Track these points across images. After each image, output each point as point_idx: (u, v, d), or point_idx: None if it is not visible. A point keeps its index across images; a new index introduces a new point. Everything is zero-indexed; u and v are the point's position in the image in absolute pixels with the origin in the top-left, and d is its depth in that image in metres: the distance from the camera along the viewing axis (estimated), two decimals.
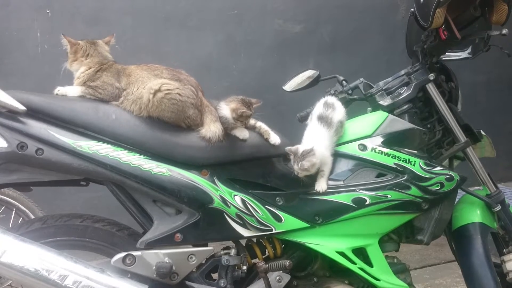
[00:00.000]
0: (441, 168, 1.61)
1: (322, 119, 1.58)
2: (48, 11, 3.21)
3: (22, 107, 1.36)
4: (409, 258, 3.34)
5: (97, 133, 1.41)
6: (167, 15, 3.45)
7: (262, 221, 1.49)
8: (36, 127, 1.37)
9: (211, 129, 1.47)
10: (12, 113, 1.37)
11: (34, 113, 1.38)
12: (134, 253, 1.43)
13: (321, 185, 1.54)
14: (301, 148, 1.49)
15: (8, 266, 1.28)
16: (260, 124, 1.57)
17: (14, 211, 2.43)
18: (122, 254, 1.42)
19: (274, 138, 1.54)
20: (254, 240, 1.63)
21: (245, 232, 1.49)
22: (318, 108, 1.62)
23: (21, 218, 2.43)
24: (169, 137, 1.45)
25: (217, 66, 3.68)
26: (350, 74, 1.97)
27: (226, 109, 1.50)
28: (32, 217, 2.38)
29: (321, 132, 1.56)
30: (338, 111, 1.60)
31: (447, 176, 1.60)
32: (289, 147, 1.50)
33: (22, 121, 1.36)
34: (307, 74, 1.91)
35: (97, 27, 3.19)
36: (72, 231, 1.47)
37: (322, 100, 1.65)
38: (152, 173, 1.41)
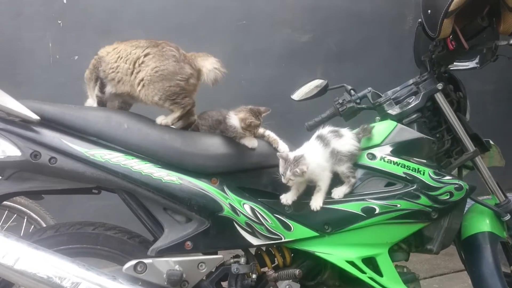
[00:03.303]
0: (450, 178, 1.61)
1: (320, 137, 1.57)
2: (59, 22, 3.25)
3: (35, 117, 1.38)
4: (418, 268, 3.32)
5: (109, 142, 1.43)
6: (177, 26, 3.48)
7: (271, 230, 1.50)
8: (50, 136, 1.39)
9: (208, 67, 1.50)
10: (25, 123, 1.39)
11: (47, 122, 1.41)
12: (145, 260, 1.44)
13: (316, 202, 1.52)
14: (291, 154, 1.48)
15: (22, 273, 1.30)
16: (269, 133, 1.58)
17: (25, 219, 2.45)
18: (134, 262, 1.44)
19: (283, 147, 1.56)
20: (264, 248, 1.63)
21: (254, 241, 1.50)
22: (322, 130, 1.60)
23: (32, 226, 2.44)
24: (179, 145, 1.47)
25: (226, 76, 3.69)
26: (358, 83, 1.97)
27: (235, 118, 1.52)
28: (44, 225, 2.40)
29: (316, 147, 1.55)
30: (344, 142, 1.56)
31: (456, 186, 1.60)
32: (280, 153, 1.49)
33: (36, 130, 1.39)
34: (315, 83, 1.91)
35: (108, 38, 3.20)
36: (84, 239, 1.49)
37: (333, 128, 1.61)
38: (163, 181, 1.43)
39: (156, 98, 1.49)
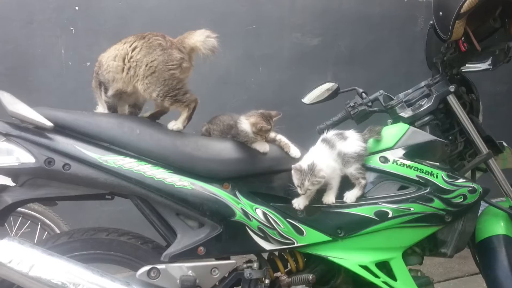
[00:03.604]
0: (464, 180, 1.60)
1: (325, 141, 1.56)
2: (71, 29, 3.28)
3: (49, 123, 1.40)
4: (432, 271, 3.29)
5: (122, 148, 1.44)
6: (187, 31, 3.49)
7: (284, 234, 1.50)
8: (63, 142, 1.40)
9: (200, 39, 1.51)
10: (39, 129, 1.41)
11: (61, 129, 1.42)
12: (159, 266, 1.44)
13: (329, 198, 1.52)
14: (303, 164, 1.48)
15: (37, 279, 1.32)
16: (280, 137, 1.58)
17: (39, 225, 2.47)
18: (147, 267, 1.44)
19: (294, 151, 1.56)
20: (276, 253, 1.63)
21: (267, 245, 1.50)
22: (327, 134, 1.60)
23: (46, 232, 2.46)
24: (191, 150, 1.48)
25: (236, 80, 3.71)
26: (369, 86, 1.97)
27: (246, 123, 1.52)
28: (57, 231, 2.42)
29: (322, 150, 1.54)
30: (349, 143, 1.55)
31: (470, 188, 1.58)
32: (294, 166, 1.48)
33: (49, 137, 1.40)
34: (326, 87, 1.91)
35: None
36: (98, 245, 1.50)
37: (337, 131, 1.61)
38: (175, 186, 1.44)
39: (155, 94, 1.49)
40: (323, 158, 1.51)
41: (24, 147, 1.37)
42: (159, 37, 1.52)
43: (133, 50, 1.49)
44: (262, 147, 1.53)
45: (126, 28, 3.34)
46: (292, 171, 1.48)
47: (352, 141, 1.56)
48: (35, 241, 2.16)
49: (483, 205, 1.71)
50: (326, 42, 3.90)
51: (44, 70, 3.25)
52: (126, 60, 1.50)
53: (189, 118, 1.55)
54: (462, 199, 1.57)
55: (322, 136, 1.59)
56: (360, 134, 1.59)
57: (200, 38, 1.53)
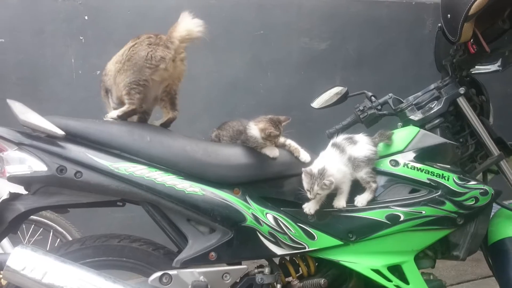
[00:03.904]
0: (475, 182, 1.59)
1: (336, 145, 1.56)
2: (81, 38, 3.31)
3: (61, 132, 1.41)
4: (445, 274, 3.27)
5: (132, 155, 1.45)
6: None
7: (295, 239, 1.49)
8: (75, 150, 1.41)
9: (184, 25, 1.51)
10: (51, 138, 1.42)
11: (72, 137, 1.44)
12: (171, 272, 1.45)
13: (340, 202, 1.52)
14: (314, 168, 1.48)
15: (50, 286, 1.33)
16: (290, 142, 1.58)
17: (51, 233, 2.49)
18: (159, 273, 1.45)
19: (304, 156, 1.56)
20: (288, 258, 1.63)
21: (278, 250, 1.50)
22: (337, 139, 1.59)
23: (58, 240, 2.48)
24: (201, 156, 1.48)
25: (245, 86, 3.71)
26: (379, 89, 1.96)
27: (255, 129, 1.52)
28: (70, 238, 2.44)
29: (333, 155, 1.54)
30: (359, 147, 1.55)
31: (482, 190, 1.57)
32: (305, 169, 1.48)
33: (61, 145, 1.42)
34: (335, 91, 1.91)
35: None
36: (110, 251, 1.51)
37: (347, 135, 1.60)
38: (186, 192, 1.44)
39: (126, 82, 1.48)
40: (333, 162, 1.51)
41: (36, 156, 1.39)
42: (151, 35, 1.52)
43: (128, 49, 1.50)
44: (271, 152, 1.53)
45: (135, 36, 3.37)
46: (303, 175, 1.48)
47: (362, 145, 1.55)
48: (48, 248, 2.17)
49: (495, 207, 1.70)
50: (334, 46, 3.90)
51: (54, 79, 3.28)
52: (121, 63, 1.51)
53: (126, 114, 1.52)
54: (474, 202, 1.56)
55: (332, 141, 1.59)
56: (370, 138, 1.58)
57: (184, 24, 1.51)
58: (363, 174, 1.53)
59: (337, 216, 1.53)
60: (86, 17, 3.31)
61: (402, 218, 1.52)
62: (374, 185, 1.53)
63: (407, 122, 1.71)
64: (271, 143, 1.53)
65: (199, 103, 3.46)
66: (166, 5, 3.42)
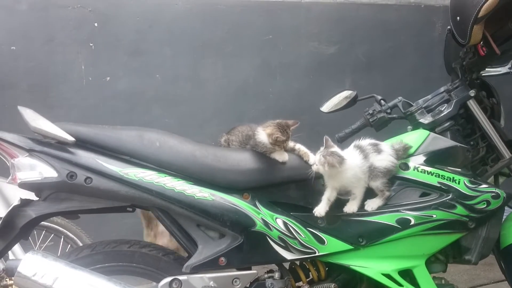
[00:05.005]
0: (487, 186, 1.57)
1: (359, 148, 1.54)
2: (91, 44, 3.34)
3: (71, 138, 1.42)
4: (457, 279, 3.24)
5: (142, 161, 1.45)
6: (204, 43, 3.53)
7: (305, 244, 1.49)
8: (85, 156, 1.42)
9: None
10: (61, 144, 1.43)
11: (82, 143, 1.44)
12: (180, 277, 1.45)
13: (351, 206, 1.51)
14: (337, 149, 1.49)
15: None
16: (299, 146, 1.58)
17: (62, 239, 2.50)
18: (169, 279, 1.45)
19: (313, 160, 1.55)
20: (298, 263, 1.63)
21: (288, 255, 1.49)
22: (362, 141, 1.58)
23: (69, 245, 2.49)
24: (210, 162, 1.49)
25: (254, 90, 3.72)
26: (388, 93, 1.95)
27: (263, 134, 1.52)
28: (80, 244, 2.44)
29: (355, 158, 1.52)
30: (382, 158, 1.53)
31: (493, 194, 1.56)
32: (327, 137, 1.51)
33: (71, 151, 1.42)
34: (344, 95, 1.90)
35: (138, 58, 3.29)
36: (120, 257, 1.51)
37: (373, 141, 1.58)
38: (196, 197, 1.44)
39: None
40: (353, 165, 1.50)
41: (47, 162, 1.40)
42: None
43: None
44: (281, 156, 1.53)
45: (145, 43, 3.39)
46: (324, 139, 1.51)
47: (385, 156, 1.53)
48: (59, 254, 2.17)
49: (507, 210, 1.68)
50: (343, 50, 3.89)
51: (65, 86, 3.31)
52: None
53: None
54: (485, 205, 1.55)
55: (355, 142, 1.57)
56: (394, 150, 1.56)
57: None
58: (379, 184, 1.52)
59: (347, 221, 1.52)
60: (96, 24, 3.34)
61: (412, 222, 1.51)
62: (387, 193, 1.53)
63: (417, 125, 1.70)
64: (280, 148, 1.53)
65: (209, 108, 3.48)
66: (175, 12, 3.44)
